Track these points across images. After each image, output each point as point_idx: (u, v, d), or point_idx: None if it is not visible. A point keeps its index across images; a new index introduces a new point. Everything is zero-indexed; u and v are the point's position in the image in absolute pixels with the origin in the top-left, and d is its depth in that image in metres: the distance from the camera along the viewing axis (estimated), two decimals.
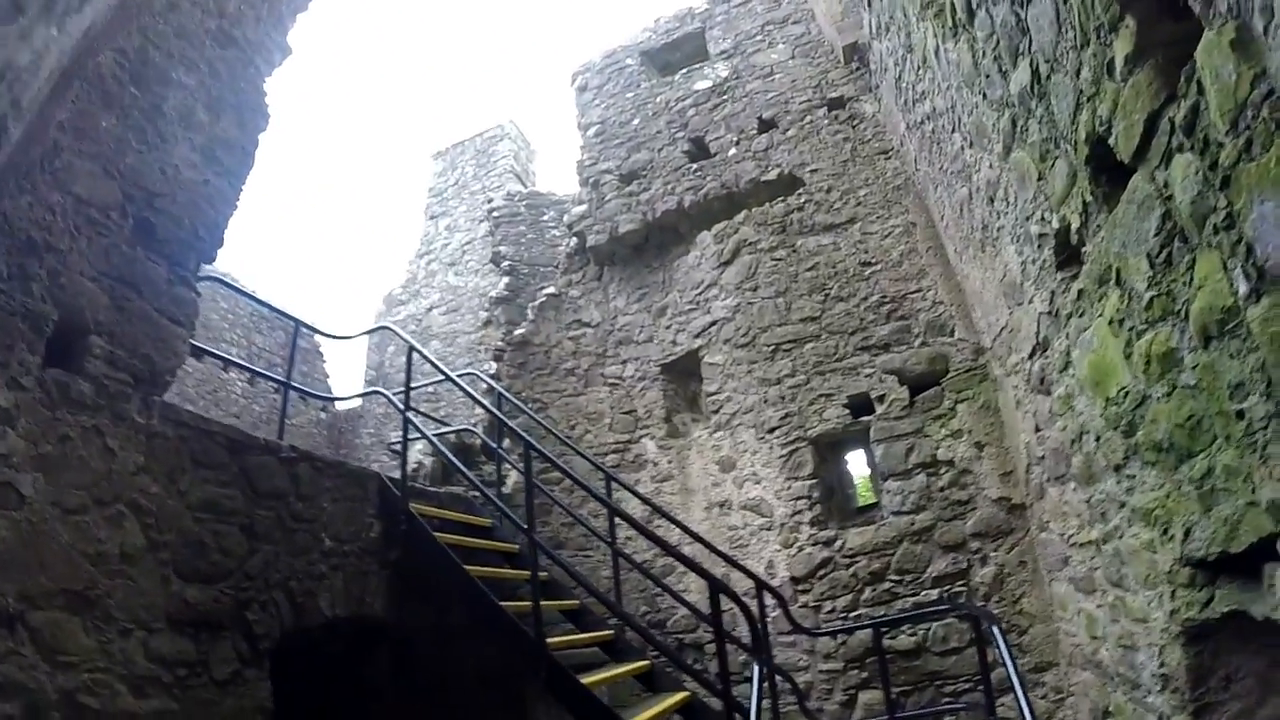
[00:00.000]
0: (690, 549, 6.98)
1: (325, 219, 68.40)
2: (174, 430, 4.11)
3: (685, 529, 6.53)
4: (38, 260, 3.59)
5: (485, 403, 6.16)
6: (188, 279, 4.32)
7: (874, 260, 7.79)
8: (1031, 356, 5.25)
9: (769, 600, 6.37)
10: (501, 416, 5.91)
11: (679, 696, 5.27)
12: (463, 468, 6.07)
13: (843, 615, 6.87)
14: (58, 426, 3.57)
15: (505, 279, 11.71)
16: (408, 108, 70.73)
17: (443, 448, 6.59)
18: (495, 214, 12.94)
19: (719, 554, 6.32)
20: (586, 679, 4.75)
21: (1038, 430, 5.57)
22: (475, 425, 8.76)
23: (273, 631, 4.42)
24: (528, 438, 5.40)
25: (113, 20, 4.14)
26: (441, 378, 6.23)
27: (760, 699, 4.64)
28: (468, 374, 8.54)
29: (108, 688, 3.56)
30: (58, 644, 3.40)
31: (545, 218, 12.80)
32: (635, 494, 7.05)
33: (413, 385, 6.15)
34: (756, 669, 4.79)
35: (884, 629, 6.22)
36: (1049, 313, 4.58)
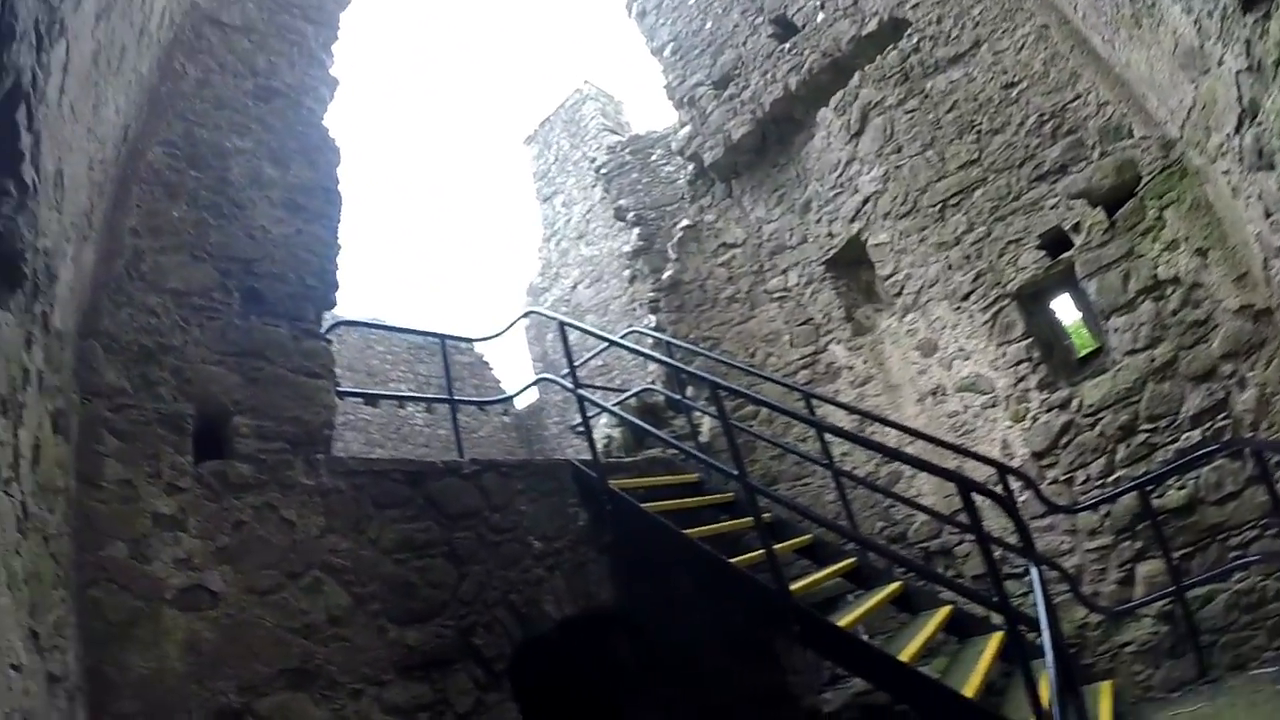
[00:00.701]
0: (913, 449, 6.36)
1: (440, 230, 70.28)
2: (346, 481, 4.06)
3: (903, 429, 6.00)
4: (156, 365, 3.61)
5: (656, 355, 5.80)
6: (312, 330, 4.30)
7: (1016, 79, 6.78)
8: (1238, 130, 4.20)
9: (1014, 484, 5.77)
10: (677, 364, 5.54)
11: (941, 613, 4.87)
12: (654, 430, 5.85)
13: (1098, 483, 5.98)
14: (229, 515, 3.57)
15: (635, 230, 11.31)
16: (473, 105, 71.27)
17: (627, 415, 6.38)
18: (604, 171, 12.55)
19: (947, 446, 5.74)
20: (840, 619, 4.37)
21: (1268, 215, 4.52)
22: (652, 384, 8.40)
23: (504, 650, 4.34)
24: (713, 378, 5.07)
25: (148, 117, 4.17)
26: (604, 345, 5.91)
27: (1048, 601, 4.00)
28: (630, 333, 8.20)
29: None
30: None
31: (654, 158, 12.29)
32: (839, 405, 6.50)
33: (576, 360, 5.91)
34: (1033, 569, 4.16)
35: (1149, 488, 5.48)
36: (1248, 69, 3.59)
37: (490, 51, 68.56)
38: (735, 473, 4.72)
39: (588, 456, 5.41)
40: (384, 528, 4.10)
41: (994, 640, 4.63)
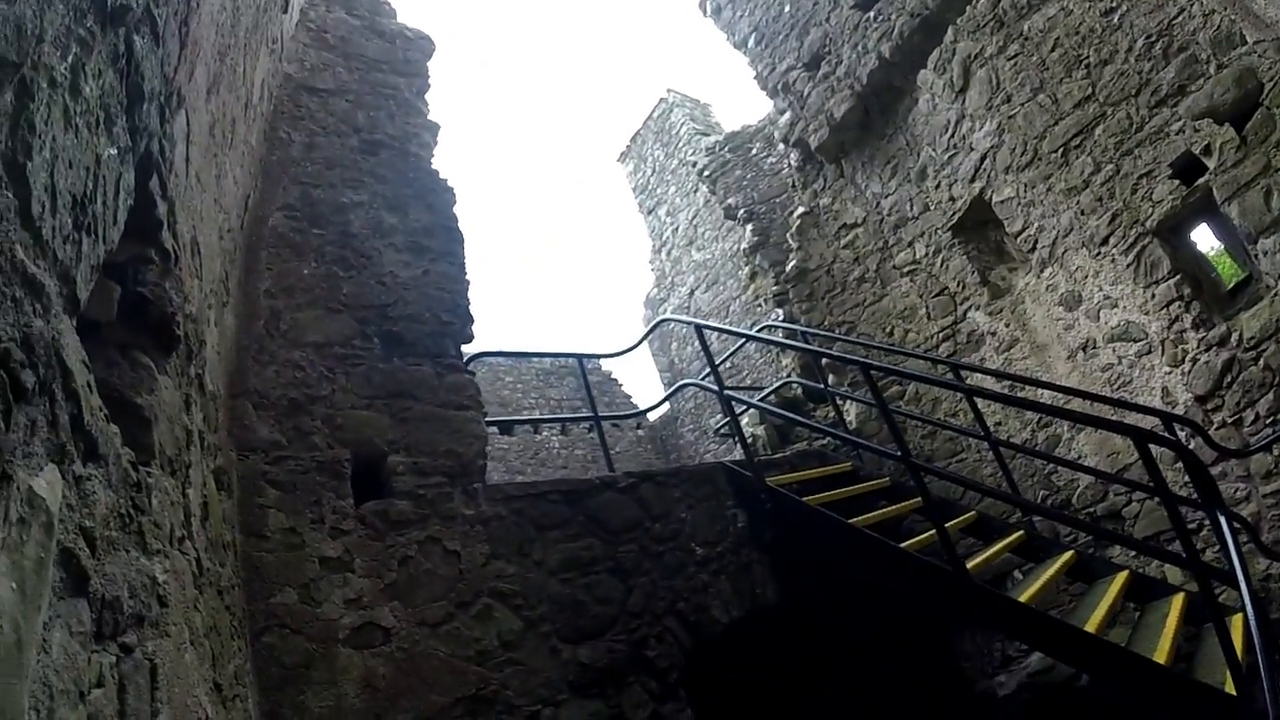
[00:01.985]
0: (1070, 407, 6.06)
1: (546, 259, 71.61)
2: (506, 507, 4.12)
3: (1057, 388, 5.71)
4: (307, 415, 3.74)
5: (798, 344, 5.69)
6: (454, 364, 4.40)
7: (1113, 3, 6.34)
8: None
9: (1180, 433, 5.34)
10: (821, 350, 5.40)
11: (1120, 579, 4.56)
12: (806, 421, 5.77)
13: (1269, 421, 5.46)
14: (394, 552, 3.65)
15: (748, 227, 11.15)
16: (556, 136, 72.46)
17: (775, 409, 6.30)
18: (706, 173, 12.45)
19: (1104, 402, 5.38)
20: (1020, 594, 4.13)
21: None
22: (788, 378, 8.24)
23: (676, 661, 4.31)
24: (862, 359, 4.95)
25: (264, 185, 4.38)
26: (740, 343, 5.84)
27: (1240, 555, 3.65)
28: (763, 329, 8.07)
29: None
30: None
31: (754, 152, 12.14)
32: (987, 372, 6.21)
33: (709, 360, 5.83)
34: (1220, 519, 3.80)
35: None
36: None
37: (565, 80, 69.83)
38: (898, 454, 4.56)
39: (731, 459, 5.36)
40: (548, 549, 4.14)
41: (1176, 602, 4.32)
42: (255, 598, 3.25)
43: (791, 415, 5.90)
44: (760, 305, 12.00)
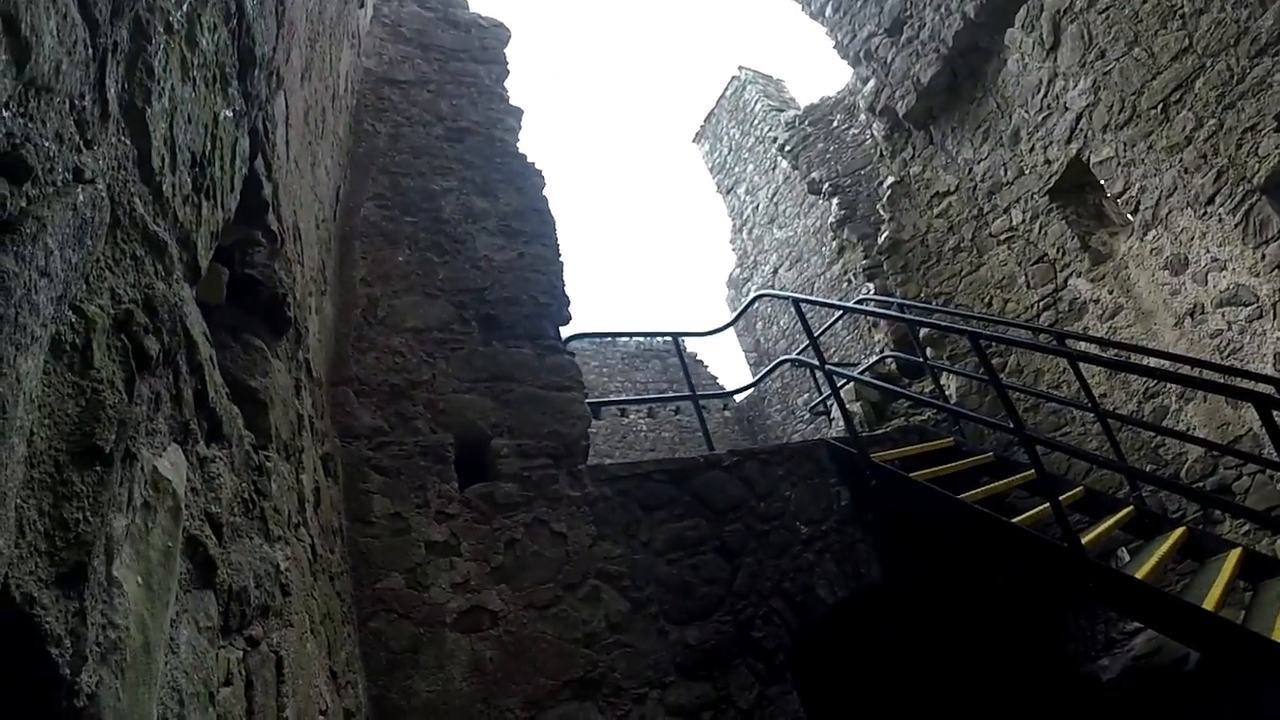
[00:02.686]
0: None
1: (624, 244, 71.70)
2: (611, 488, 4.09)
3: (1165, 355, 5.42)
4: (409, 400, 3.75)
5: (900, 315, 5.53)
6: (554, 345, 4.38)
7: None
8: None
9: None
10: (926, 320, 5.25)
11: (1233, 556, 4.33)
12: (914, 394, 5.69)
13: None
14: (500, 535, 3.65)
15: (834, 200, 10.90)
16: (625, 122, 72.35)
17: (878, 382, 6.26)
18: (788, 148, 12.24)
19: (1217, 369, 5.10)
20: (1136, 571, 3.94)
21: None
22: (882, 353, 8.04)
23: (783, 641, 4.23)
24: (970, 329, 4.83)
25: (353, 176, 4.42)
26: (835, 317, 5.71)
27: None
28: (857, 302, 7.88)
29: None
30: None
31: (835, 124, 11.84)
32: (1091, 339, 5.96)
33: (795, 344, 5.73)
34: None
35: None
36: None
37: (635, 64, 69.68)
38: (1010, 425, 4.39)
39: (832, 435, 5.25)
40: (654, 529, 4.11)
41: None
42: (362, 583, 3.27)
43: (898, 389, 5.77)
44: (848, 281, 11.74)
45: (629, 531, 4.00)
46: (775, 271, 14.87)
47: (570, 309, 4.57)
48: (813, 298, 5.69)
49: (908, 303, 7.10)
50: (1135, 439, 6.51)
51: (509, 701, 3.31)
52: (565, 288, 4.61)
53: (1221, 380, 5.10)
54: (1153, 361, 5.83)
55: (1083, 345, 6.56)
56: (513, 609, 3.49)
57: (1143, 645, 5.32)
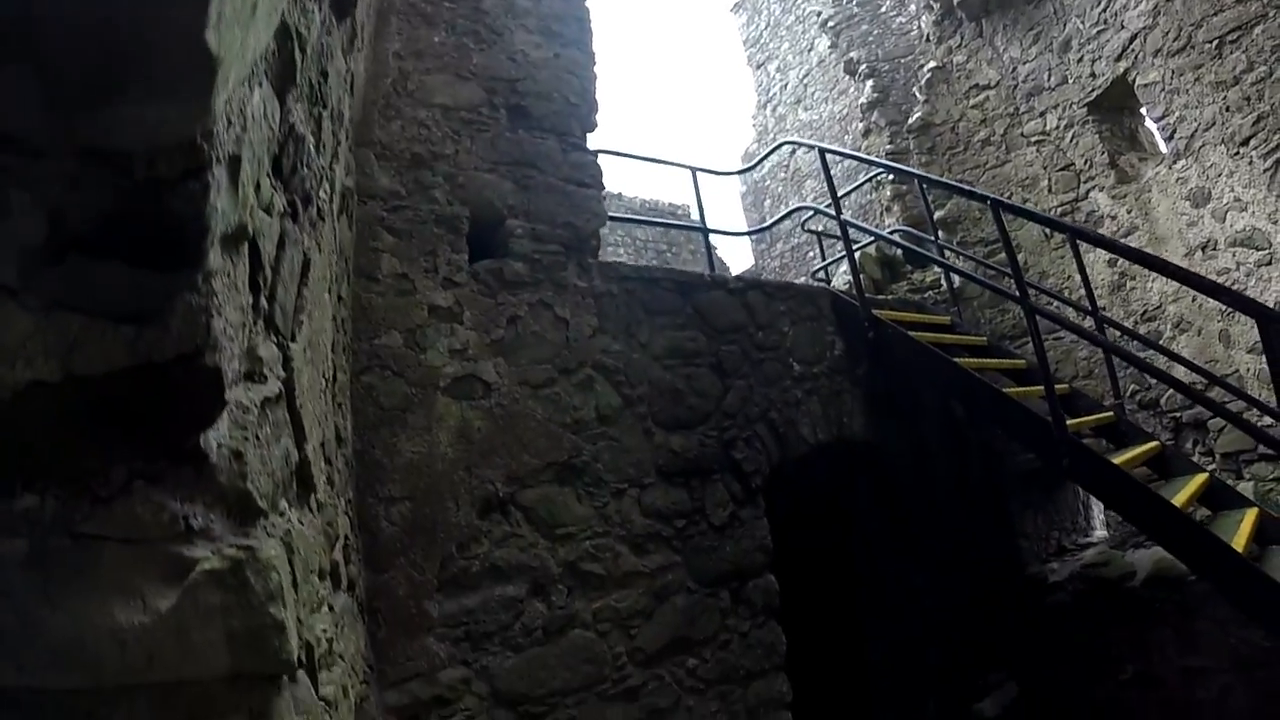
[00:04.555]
0: (1174, 307, 6.26)
1: (647, 101, 70.19)
2: (619, 285, 4.14)
3: (1177, 270, 5.42)
4: (429, 170, 3.71)
5: (921, 173, 5.53)
6: (579, 144, 4.35)
7: None
8: None
9: None
10: (954, 184, 5.30)
11: (1199, 479, 4.44)
12: (930, 254, 5.83)
13: None
14: (504, 310, 3.67)
15: (869, 83, 10.68)
16: None
17: (895, 239, 6.36)
18: (830, 24, 11.91)
19: (1226, 292, 5.15)
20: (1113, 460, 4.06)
21: None
22: (892, 233, 8.01)
23: (761, 467, 4.36)
24: (994, 195, 4.94)
25: None
26: (861, 179, 5.66)
27: None
28: (884, 167, 7.79)
29: (609, 550, 3.65)
30: (553, 517, 3.51)
31: (883, 9, 11.49)
32: (1107, 242, 5.94)
33: (830, 186, 5.68)
34: None
35: None
36: None
37: None
38: (1016, 295, 4.45)
39: (836, 287, 5.28)
40: (654, 333, 4.17)
41: (1250, 515, 4.16)
42: (360, 337, 3.26)
43: (909, 245, 5.81)
44: (863, 172, 11.60)
45: (629, 330, 4.06)
46: (793, 152, 14.65)
47: (598, 117, 4.50)
48: (837, 148, 5.59)
49: (933, 178, 7.09)
50: (1121, 368, 6.63)
51: (491, 473, 3.37)
52: (596, 94, 4.54)
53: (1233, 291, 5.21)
54: (1154, 288, 5.91)
55: (1098, 253, 6.68)
56: (507, 383, 3.53)
57: (1093, 555, 5.54)
